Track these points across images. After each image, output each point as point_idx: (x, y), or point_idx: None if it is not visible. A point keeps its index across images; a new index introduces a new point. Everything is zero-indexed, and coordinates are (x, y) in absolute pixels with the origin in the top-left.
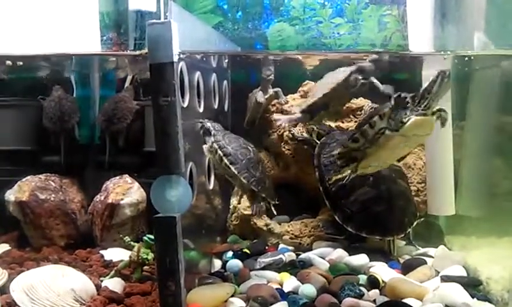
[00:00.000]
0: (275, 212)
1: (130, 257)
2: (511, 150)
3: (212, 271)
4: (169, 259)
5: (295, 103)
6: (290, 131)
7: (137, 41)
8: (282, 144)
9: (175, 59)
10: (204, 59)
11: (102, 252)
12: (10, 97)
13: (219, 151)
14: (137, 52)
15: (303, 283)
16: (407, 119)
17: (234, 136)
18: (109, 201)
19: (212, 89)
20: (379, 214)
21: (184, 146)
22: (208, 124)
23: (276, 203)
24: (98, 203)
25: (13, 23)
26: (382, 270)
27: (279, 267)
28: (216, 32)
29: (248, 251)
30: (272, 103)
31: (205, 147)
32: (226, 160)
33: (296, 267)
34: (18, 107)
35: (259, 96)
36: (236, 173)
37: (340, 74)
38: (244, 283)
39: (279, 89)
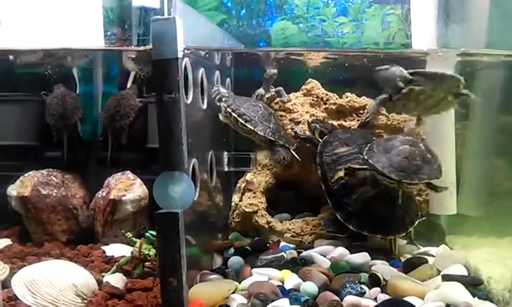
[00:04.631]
0: (297, 157)
1: (131, 253)
2: None
3: (214, 268)
4: (171, 255)
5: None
6: (292, 129)
7: (141, 37)
8: None
9: (179, 55)
10: (208, 55)
11: (103, 247)
12: (13, 92)
13: (234, 114)
14: (141, 48)
15: (304, 281)
16: None
17: (244, 98)
18: (111, 197)
19: None
20: (381, 213)
21: (187, 143)
22: (222, 90)
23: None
24: (100, 199)
25: (16, 18)
26: (383, 269)
27: (280, 264)
28: (220, 29)
29: (249, 248)
30: (275, 101)
31: (220, 115)
32: (241, 120)
33: (298, 265)
34: (20, 102)
35: (260, 91)
36: (252, 128)
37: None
38: (246, 280)
39: (281, 87)
